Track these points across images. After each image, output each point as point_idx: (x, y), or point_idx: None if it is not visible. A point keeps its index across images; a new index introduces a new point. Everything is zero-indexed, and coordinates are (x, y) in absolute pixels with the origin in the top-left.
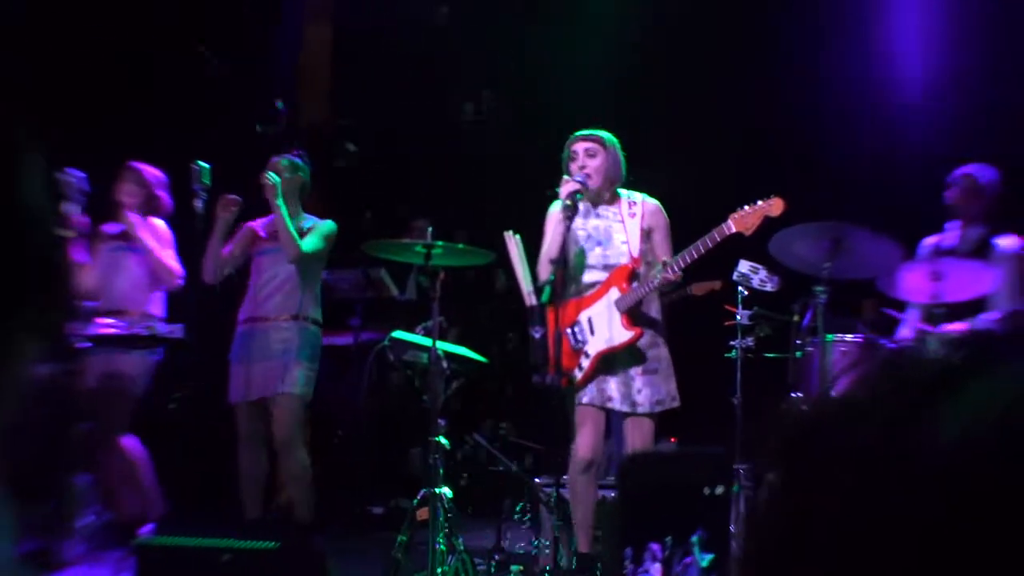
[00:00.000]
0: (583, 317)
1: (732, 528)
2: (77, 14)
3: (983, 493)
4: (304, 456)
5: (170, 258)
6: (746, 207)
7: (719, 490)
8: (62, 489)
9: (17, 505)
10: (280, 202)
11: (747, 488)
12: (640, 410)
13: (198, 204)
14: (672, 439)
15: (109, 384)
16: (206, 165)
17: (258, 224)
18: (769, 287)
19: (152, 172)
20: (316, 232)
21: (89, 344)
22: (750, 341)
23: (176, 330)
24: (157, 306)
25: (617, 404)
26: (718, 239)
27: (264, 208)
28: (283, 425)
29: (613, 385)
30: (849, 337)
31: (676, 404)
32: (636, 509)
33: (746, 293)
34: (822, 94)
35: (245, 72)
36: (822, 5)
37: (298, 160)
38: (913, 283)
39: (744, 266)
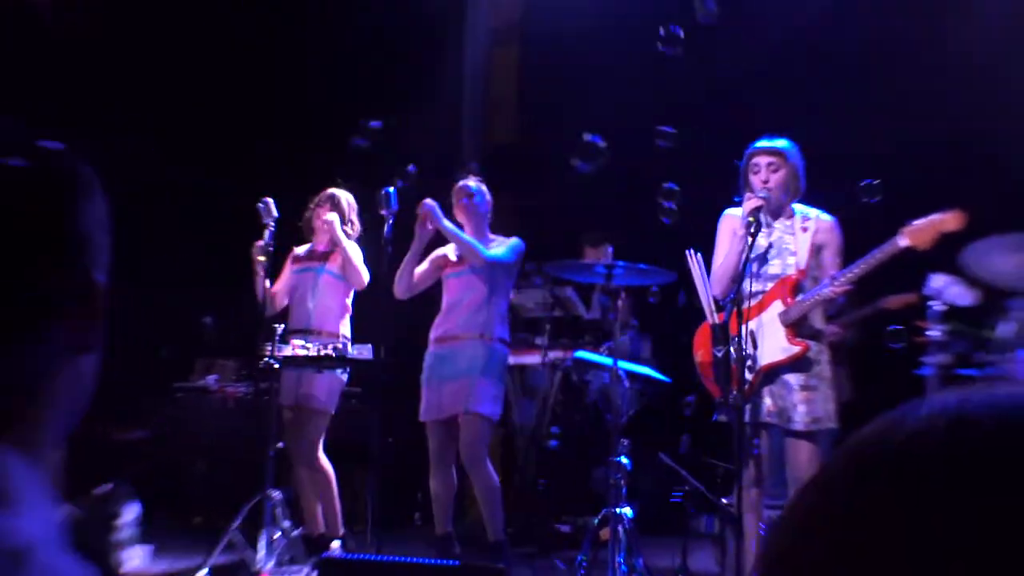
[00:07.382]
0: (745, 329)
1: None
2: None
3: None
4: (492, 474)
5: (362, 264)
6: (920, 220)
7: None
8: (254, 504)
9: (213, 519)
10: (445, 223)
11: None
12: (794, 427)
13: (386, 229)
14: None
15: (302, 403)
16: (393, 190)
17: (449, 248)
18: (964, 301)
19: (348, 198)
20: (502, 244)
21: (279, 364)
22: (943, 357)
23: (364, 351)
24: (345, 327)
25: (774, 419)
26: (889, 252)
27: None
28: (469, 444)
29: (770, 400)
30: None
31: (832, 426)
32: None
33: (939, 308)
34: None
35: (432, 95)
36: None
37: (483, 185)
38: None
39: (937, 280)
